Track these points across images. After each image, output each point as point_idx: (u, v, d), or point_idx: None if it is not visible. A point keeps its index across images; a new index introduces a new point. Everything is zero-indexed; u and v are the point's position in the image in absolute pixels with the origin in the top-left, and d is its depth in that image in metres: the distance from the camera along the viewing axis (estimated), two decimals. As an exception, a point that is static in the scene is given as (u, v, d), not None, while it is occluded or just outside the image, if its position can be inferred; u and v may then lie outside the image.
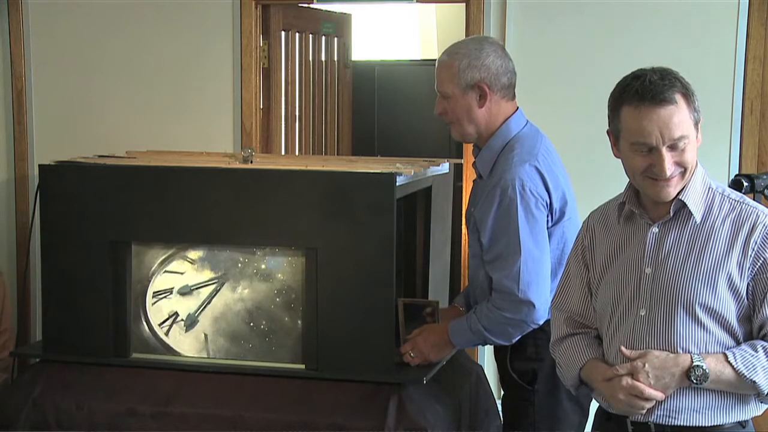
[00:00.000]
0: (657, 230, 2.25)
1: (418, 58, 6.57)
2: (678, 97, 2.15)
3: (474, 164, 2.88)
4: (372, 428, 2.77)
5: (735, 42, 3.86)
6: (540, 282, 2.70)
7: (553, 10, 3.99)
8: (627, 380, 2.18)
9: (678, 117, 2.15)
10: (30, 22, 4.47)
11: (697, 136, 2.20)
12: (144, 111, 4.41)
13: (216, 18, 4.31)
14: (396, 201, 2.82)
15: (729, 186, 3.13)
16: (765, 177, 3.09)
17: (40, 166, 3.08)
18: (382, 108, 5.68)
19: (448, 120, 2.84)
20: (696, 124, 2.19)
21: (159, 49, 4.40)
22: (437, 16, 6.60)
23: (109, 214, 3.01)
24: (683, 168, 2.19)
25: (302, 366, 2.94)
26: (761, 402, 2.19)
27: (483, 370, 3.42)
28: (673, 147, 2.16)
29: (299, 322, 2.94)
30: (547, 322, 2.72)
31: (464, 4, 4.12)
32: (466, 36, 4.07)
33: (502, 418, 3.09)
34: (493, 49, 2.80)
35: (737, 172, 3.80)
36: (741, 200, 2.23)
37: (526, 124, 2.84)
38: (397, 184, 2.82)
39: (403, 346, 2.94)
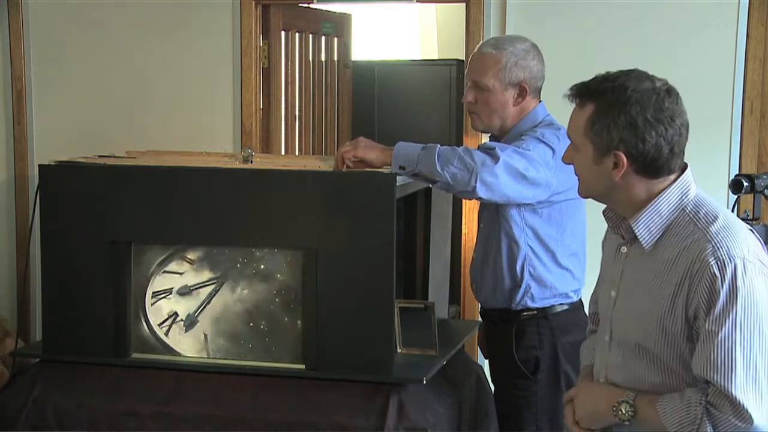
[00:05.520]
0: (626, 250, 2.09)
1: (418, 58, 6.58)
2: (588, 105, 2.01)
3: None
4: (372, 428, 2.77)
5: (735, 42, 3.86)
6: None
7: (553, 11, 3.99)
8: (566, 406, 2.17)
9: (574, 117, 2.06)
10: (30, 22, 4.48)
11: (599, 159, 2.00)
12: (144, 111, 4.41)
13: (216, 18, 4.32)
14: (396, 201, 2.82)
15: (729, 186, 3.13)
16: (765, 177, 3.08)
17: (40, 166, 3.08)
18: (382, 108, 5.67)
19: (473, 110, 2.94)
20: (598, 147, 1.99)
21: (159, 48, 4.40)
22: (437, 16, 6.60)
23: (109, 214, 3.00)
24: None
25: (302, 366, 2.93)
26: None
27: (483, 371, 3.42)
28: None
29: (299, 322, 2.94)
30: (551, 309, 2.87)
31: (464, 4, 4.13)
32: (466, 36, 4.10)
33: (496, 414, 3.11)
34: (536, 53, 2.92)
35: (737, 172, 3.80)
36: (705, 228, 1.95)
37: (548, 115, 2.96)
38: (397, 184, 2.82)
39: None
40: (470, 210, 4.15)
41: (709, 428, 1.89)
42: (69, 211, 3.03)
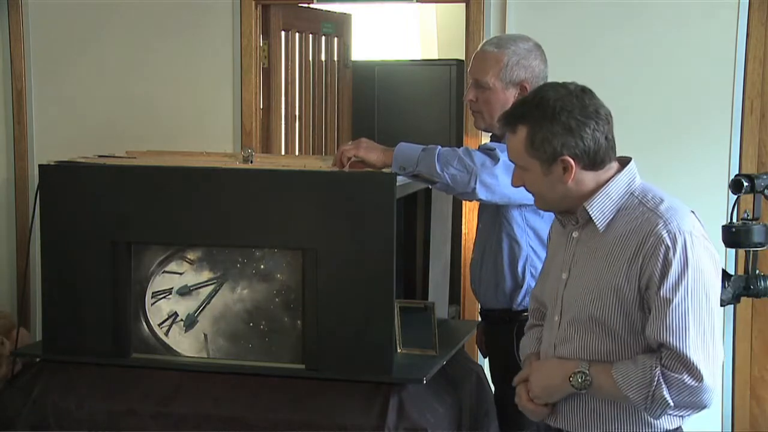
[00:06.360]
0: (576, 235, 2.23)
1: (418, 58, 6.58)
2: (520, 128, 2.16)
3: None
4: (372, 428, 2.77)
5: (735, 42, 3.87)
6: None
7: (553, 11, 3.99)
8: (519, 387, 2.30)
9: (511, 144, 2.20)
10: (30, 22, 4.48)
11: (547, 170, 2.15)
12: (144, 111, 4.41)
13: (216, 18, 4.32)
14: (396, 201, 2.82)
15: (729, 186, 3.12)
16: (765, 177, 3.07)
17: (40, 166, 3.08)
18: (382, 108, 5.68)
19: (475, 109, 2.92)
20: (544, 160, 2.14)
21: (159, 49, 4.40)
22: (437, 16, 6.60)
23: (109, 214, 3.00)
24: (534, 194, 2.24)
25: (302, 366, 2.93)
26: (659, 414, 2.10)
27: (483, 371, 3.42)
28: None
29: (299, 322, 2.94)
30: None
31: (464, 4, 4.13)
32: (466, 36, 4.10)
33: (496, 414, 3.11)
34: (539, 53, 2.91)
35: (737, 172, 3.80)
36: (654, 208, 2.13)
37: None
38: (397, 184, 2.82)
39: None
40: (470, 210, 4.15)
41: (664, 388, 2.04)
42: (69, 211, 3.03)
